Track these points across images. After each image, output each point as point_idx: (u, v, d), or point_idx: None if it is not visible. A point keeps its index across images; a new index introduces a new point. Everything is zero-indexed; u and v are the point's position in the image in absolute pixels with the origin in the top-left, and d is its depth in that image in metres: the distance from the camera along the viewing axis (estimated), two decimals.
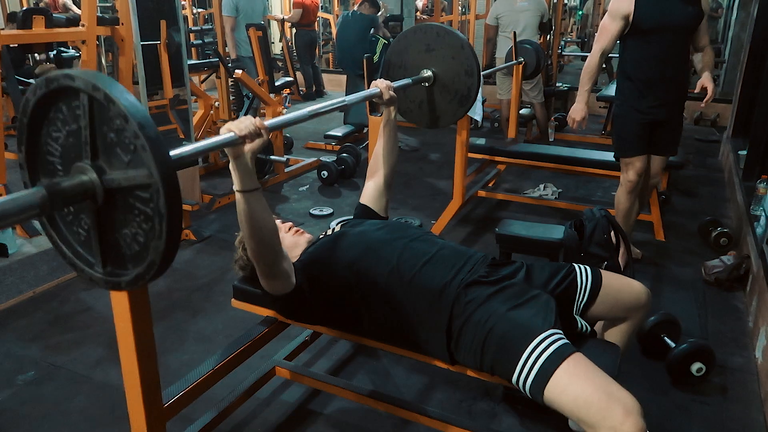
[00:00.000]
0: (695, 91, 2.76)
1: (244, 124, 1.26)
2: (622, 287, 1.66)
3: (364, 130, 5.54)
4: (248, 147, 1.29)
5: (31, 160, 1.03)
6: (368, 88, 2.41)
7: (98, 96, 0.89)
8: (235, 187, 1.32)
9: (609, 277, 1.65)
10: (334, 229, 1.80)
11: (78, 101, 0.93)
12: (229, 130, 1.25)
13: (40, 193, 0.89)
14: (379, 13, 5.54)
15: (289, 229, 1.81)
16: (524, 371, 1.33)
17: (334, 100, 1.68)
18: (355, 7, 5.54)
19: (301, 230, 1.84)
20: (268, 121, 1.33)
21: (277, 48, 9.22)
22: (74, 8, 6.82)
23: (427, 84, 2.07)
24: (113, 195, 0.94)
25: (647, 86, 2.70)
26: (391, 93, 1.85)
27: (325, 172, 4.38)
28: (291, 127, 4.79)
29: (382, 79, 1.88)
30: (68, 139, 0.97)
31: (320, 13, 8.67)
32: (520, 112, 5.01)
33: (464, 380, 2.09)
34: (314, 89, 8.01)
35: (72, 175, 0.94)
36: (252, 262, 1.50)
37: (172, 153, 1.06)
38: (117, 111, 0.88)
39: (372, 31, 5.49)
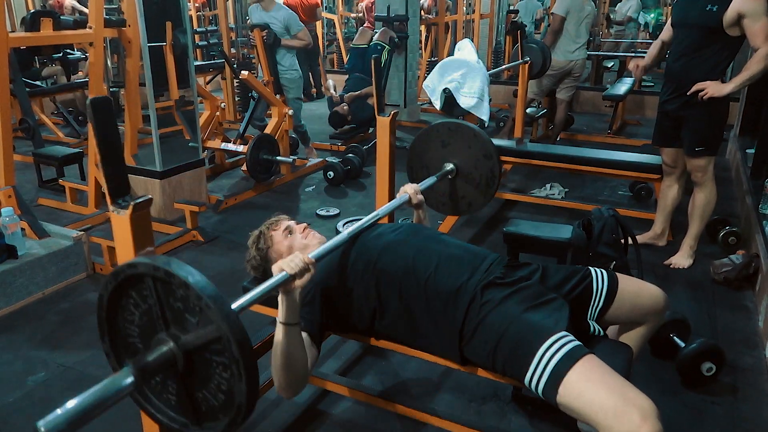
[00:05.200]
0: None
1: (295, 262, 1.31)
2: (639, 291, 1.65)
3: (370, 130, 5.55)
4: (298, 283, 1.33)
5: (115, 346, 1.17)
6: (377, 94, 2.42)
7: (159, 275, 1.02)
8: (280, 319, 1.35)
9: (626, 282, 1.63)
10: (347, 230, 1.79)
11: (144, 284, 1.06)
12: (281, 270, 1.30)
13: (129, 373, 1.01)
14: (380, 31, 5.58)
15: (303, 230, 1.81)
16: (537, 372, 1.32)
17: (371, 216, 1.74)
18: (376, 37, 5.54)
19: (314, 232, 1.84)
20: (314, 254, 1.41)
21: None
22: (83, 8, 6.83)
23: (450, 177, 2.14)
24: (191, 356, 1.05)
25: (665, 78, 2.95)
26: (419, 197, 1.92)
27: (332, 173, 4.38)
28: (300, 128, 4.82)
29: (410, 184, 1.94)
30: (142, 318, 1.10)
31: (324, 14, 8.68)
32: (526, 111, 5.01)
33: (473, 381, 2.09)
34: (314, 91, 8.00)
35: (152, 349, 1.05)
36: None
37: (234, 305, 1.16)
38: (178, 282, 1.00)
39: (376, 36, 5.50)
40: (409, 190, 1.91)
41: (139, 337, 1.12)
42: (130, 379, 1.00)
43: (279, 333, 1.36)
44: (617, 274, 1.65)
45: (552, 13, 5.05)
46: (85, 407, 0.93)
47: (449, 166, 2.14)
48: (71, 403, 0.91)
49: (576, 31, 4.85)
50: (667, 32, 2.96)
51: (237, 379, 0.99)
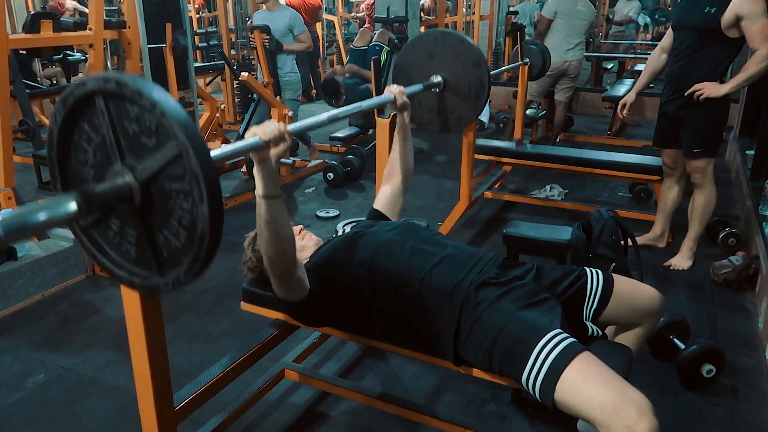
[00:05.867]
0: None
1: (269, 128, 1.26)
2: (635, 292, 1.65)
3: (370, 132, 5.55)
4: (273, 152, 1.28)
5: (68, 189, 1.04)
6: (377, 93, 2.41)
7: (110, 87, 0.90)
8: (258, 191, 1.31)
9: (621, 282, 1.63)
10: (344, 231, 1.80)
11: (95, 109, 0.94)
12: (254, 134, 1.25)
13: (73, 197, 0.87)
14: (379, 31, 5.57)
15: (299, 232, 1.81)
16: (534, 370, 1.32)
17: (352, 105, 1.71)
18: (374, 38, 5.53)
19: (310, 233, 1.84)
20: (291, 126, 1.34)
21: None
22: (85, 9, 6.83)
23: (438, 89, 2.08)
24: (149, 188, 0.94)
25: (666, 80, 2.94)
26: (404, 98, 1.87)
27: (331, 174, 4.38)
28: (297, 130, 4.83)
29: (395, 85, 1.89)
30: (96, 155, 0.98)
31: (325, 15, 8.68)
32: (526, 112, 5.01)
33: (473, 382, 2.08)
34: (315, 92, 8.01)
35: (105, 180, 0.95)
36: (265, 268, 1.47)
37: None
38: (130, 92, 0.88)
39: (375, 37, 5.50)
40: (394, 90, 1.86)
41: (94, 180, 1.00)
42: (72, 206, 0.87)
43: (261, 208, 1.32)
44: (613, 275, 1.65)
45: (540, 15, 5.11)
46: (22, 223, 0.82)
47: (437, 79, 2.08)
48: (6, 213, 0.81)
49: (569, 31, 4.86)
50: (667, 38, 2.96)
51: (198, 201, 0.88)
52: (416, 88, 1.99)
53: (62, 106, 0.97)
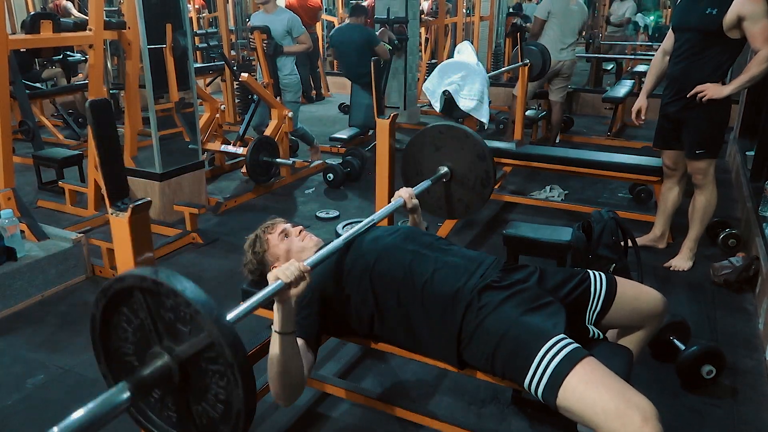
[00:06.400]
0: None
1: (290, 270, 1.30)
2: (638, 296, 1.64)
3: (370, 133, 5.54)
4: (294, 291, 1.31)
5: (111, 366, 1.15)
6: (377, 92, 2.42)
7: (146, 285, 1.01)
8: (275, 327, 1.33)
9: (624, 286, 1.63)
10: (343, 235, 1.79)
11: (134, 298, 1.05)
12: (276, 278, 1.28)
13: (125, 388, 1.01)
14: (378, 32, 5.55)
15: (299, 233, 1.81)
16: (536, 376, 1.32)
17: (366, 221, 1.71)
18: (347, 20, 5.49)
19: (310, 234, 1.83)
20: (309, 261, 1.40)
21: None
22: (74, 12, 6.84)
23: (445, 180, 2.13)
24: (186, 367, 1.04)
25: (667, 81, 2.94)
26: (414, 201, 1.91)
27: (331, 175, 4.38)
28: (297, 131, 4.83)
29: (404, 188, 1.93)
30: (136, 334, 1.09)
31: (324, 16, 8.67)
32: (526, 113, 5.01)
33: (473, 383, 2.08)
34: (314, 93, 8.02)
35: (147, 363, 1.05)
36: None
37: (229, 316, 1.15)
38: (166, 291, 0.99)
39: (378, 34, 5.49)
40: (403, 194, 1.91)
41: (134, 354, 1.11)
42: (126, 395, 0.99)
43: (274, 342, 1.34)
44: (616, 277, 1.65)
45: (534, 16, 5.14)
46: (82, 425, 0.93)
47: (443, 170, 2.12)
48: (69, 420, 0.92)
49: (562, 31, 4.87)
50: (668, 40, 2.96)
51: (233, 385, 0.98)
52: (425, 185, 2.04)
53: (103, 296, 1.08)
